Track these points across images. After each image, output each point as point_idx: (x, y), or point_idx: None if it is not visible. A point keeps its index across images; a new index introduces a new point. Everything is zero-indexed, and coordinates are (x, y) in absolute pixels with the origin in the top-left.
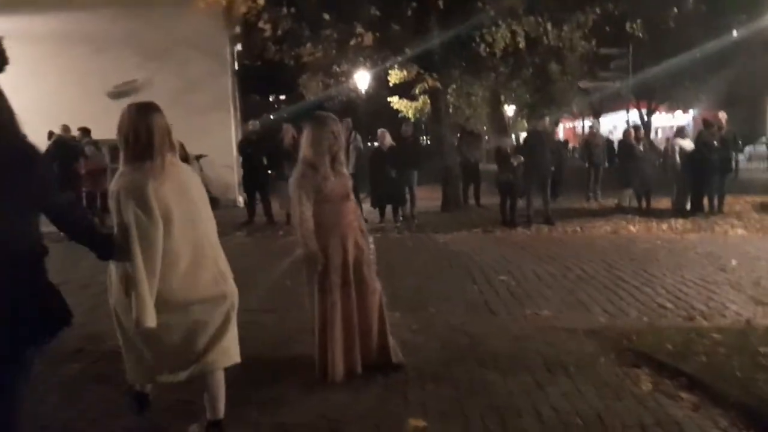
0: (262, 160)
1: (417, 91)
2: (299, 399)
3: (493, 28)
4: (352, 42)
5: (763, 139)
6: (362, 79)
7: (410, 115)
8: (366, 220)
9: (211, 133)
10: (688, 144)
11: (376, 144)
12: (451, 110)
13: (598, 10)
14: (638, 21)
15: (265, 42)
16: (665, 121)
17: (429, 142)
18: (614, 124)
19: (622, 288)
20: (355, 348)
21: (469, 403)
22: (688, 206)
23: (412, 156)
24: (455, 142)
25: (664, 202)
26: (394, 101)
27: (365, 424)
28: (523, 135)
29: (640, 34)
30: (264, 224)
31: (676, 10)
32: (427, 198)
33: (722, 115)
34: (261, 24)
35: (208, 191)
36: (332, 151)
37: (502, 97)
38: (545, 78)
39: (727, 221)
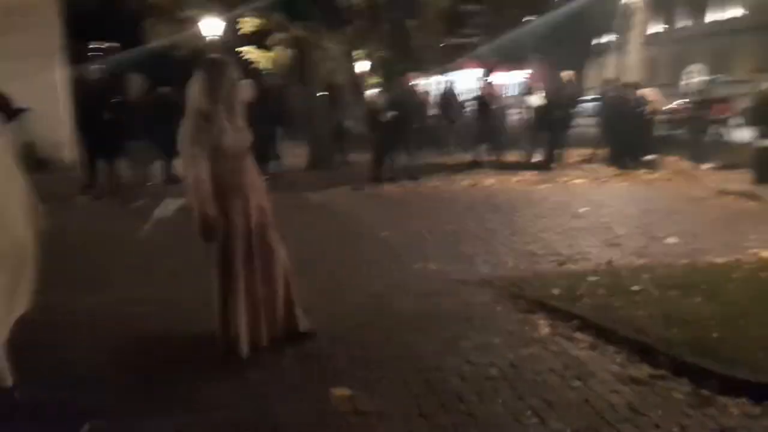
0: (104, 115)
1: (271, 41)
2: (214, 382)
3: None
4: None
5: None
6: (210, 27)
7: (267, 66)
8: None
9: (34, 83)
10: (535, 101)
11: None
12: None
13: None
14: None
15: None
16: (501, 80)
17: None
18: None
19: (495, 239)
20: (261, 320)
21: (389, 365)
22: (537, 158)
23: (278, 111)
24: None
25: (512, 156)
26: (248, 51)
27: (290, 400)
28: (376, 91)
29: None
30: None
31: None
32: (290, 156)
33: (569, 74)
34: None
35: (34, 152)
36: (230, 101)
37: (354, 53)
38: (403, 34)
39: (567, 172)
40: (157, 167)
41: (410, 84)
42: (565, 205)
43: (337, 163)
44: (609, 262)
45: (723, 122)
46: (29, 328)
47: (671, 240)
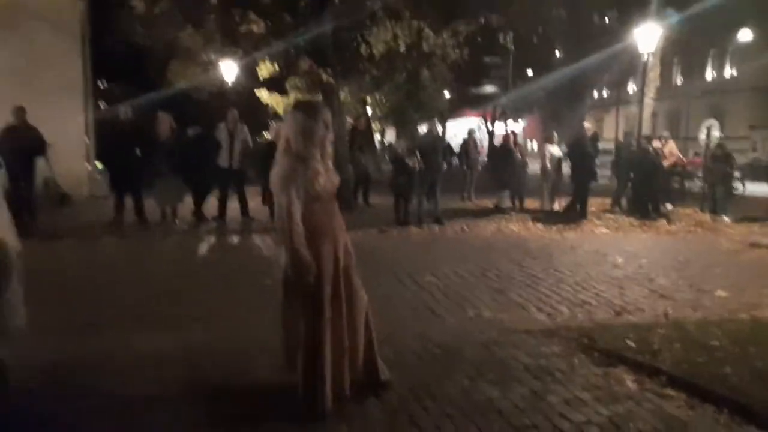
0: (136, 152)
1: (288, 85)
2: None
3: (374, 29)
4: (243, 29)
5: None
6: (229, 70)
7: (280, 110)
8: (253, 219)
9: (59, 120)
10: (556, 150)
11: (266, 137)
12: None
13: (482, 20)
14: (510, 34)
15: (134, 22)
16: (500, 129)
17: None
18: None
19: (542, 286)
20: (345, 370)
21: (482, 422)
22: (556, 207)
23: None
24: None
25: (532, 203)
26: (263, 95)
27: None
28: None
29: (512, 47)
30: (135, 224)
31: (541, 29)
32: None
33: (589, 126)
34: (133, 2)
35: (57, 186)
36: (323, 144)
37: (369, 99)
38: (416, 83)
39: (589, 222)
40: (181, 205)
41: (436, 129)
42: (599, 254)
43: (360, 207)
44: (666, 314)
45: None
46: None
47: (721, 293)
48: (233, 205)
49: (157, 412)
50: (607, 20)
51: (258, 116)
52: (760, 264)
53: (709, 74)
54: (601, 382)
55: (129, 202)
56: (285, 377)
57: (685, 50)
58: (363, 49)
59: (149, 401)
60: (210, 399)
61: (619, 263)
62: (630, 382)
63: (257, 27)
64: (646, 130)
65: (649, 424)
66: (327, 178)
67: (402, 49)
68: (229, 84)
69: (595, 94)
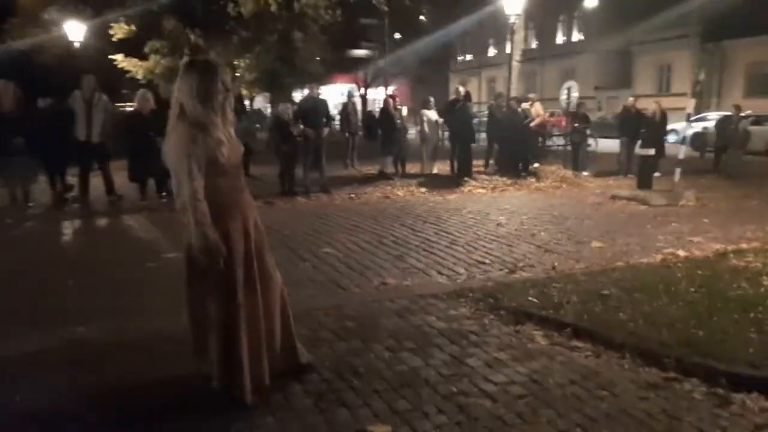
0: None
1: (148, 49)
2: None
3: None
4: None
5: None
6: (76, 31)
7: (140, 75)
8: (120, 197)
9: None
10: (433, 114)
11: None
12: None
13: None
14: None
15: None
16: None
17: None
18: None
19: (437, 249)
20: (263, 357)
21: (410, 393)
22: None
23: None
24: None
25: (412, 168)
26: (120, 60)
27: None
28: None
29: (385, 8)
30: None
31: None
32: None
33: (463, 89)
34: None
35: None
36: (224, 109)
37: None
38: (289, 46)
39: (466, 183)
40: (37, 185)
41: (317, 93)
42: (482, 214)
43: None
44: (554, 268)
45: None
46: None
47: (596, 244)
48: (96, 183)
49: (60, 423)
50: None
51: (113, 82)
52: (623, 214)
53: (560, 38)
54: (514, 341)
55: None
56: (195, 367)
57: (537, 15)
58: (231, 8)
59: (44, 411)
60: (116, 399)
61: (502, 222)
62: (540, 337)
63: None
64: (513, 92)
65: (565, 376)
66: (230, 147)
67: (273, 8)
68: (77, 46)
69: (459, 58)
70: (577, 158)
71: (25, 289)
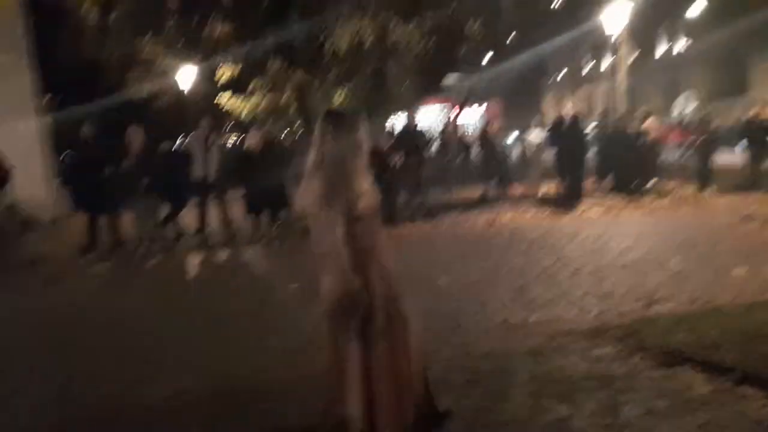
0: (105, 171)
1: (251, 87)
2: None
3: (339, 25)
4: (205, 32)
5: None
6: (187, 76)
7: (244, 114)
8: (237, 230)
9: (12, 141)
10: (536, 135)
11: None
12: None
13: (450, 11)
14: (477, 22)
15: (85, 33)
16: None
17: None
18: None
19: (560, 279)
20: (403, 404)
21: None
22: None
23: (286, 155)
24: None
25: (517, 190)
26: (224, 98)
27: None
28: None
29: (478, 37)
30: (111, 247)
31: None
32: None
33: (571, 108)
34: (84, 11)
35: (19, 212)
36: (362, 157)
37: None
38: (383, 78)
39: (578, 204)
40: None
41: (415, 122)
42: (602, 238)
43: None
44: (695, 300)
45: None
46: None
47: (738, 272)
48: (212, 218)
49: None
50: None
51: (219, 122)
52: (760, 237)
53: (661, 49)
54: (670, 387)
55: (100, 223)
56: (332, 413)
57: (637, 26)
58: (328, 46)
59: None
60: None
61: (626, 247)
62: (699, 383)
63: (221, 29)
64: (621, 107)
65: (738, 430)
66: (369, 194)
67: (367, 44)
68: (186, 91)
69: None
70: (702, 174)
71: (160, 327)
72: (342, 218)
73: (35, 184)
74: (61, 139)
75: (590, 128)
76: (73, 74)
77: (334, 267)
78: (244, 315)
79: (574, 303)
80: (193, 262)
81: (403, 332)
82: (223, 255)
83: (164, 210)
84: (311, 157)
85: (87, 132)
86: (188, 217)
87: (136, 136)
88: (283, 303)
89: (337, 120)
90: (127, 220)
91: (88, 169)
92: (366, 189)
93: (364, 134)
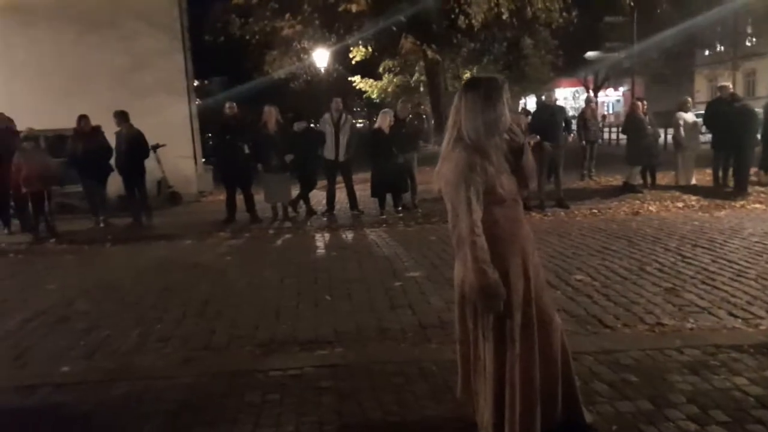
0: (244, 148)
1: (382, 68)
2: None
3: None
4: (341, 8)
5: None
6: (322, 57)
7: (374, 95)
8: (362, 212)
9: (164, 119)
10: (690, 117)
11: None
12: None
13: None
14: None
15: (229, 14)
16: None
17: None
18: (564, 97)
19: (720, 282)
20: (536, 410)
21: None
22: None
23: (413, 137)
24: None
25: (663, 178)
26: (357, 80)
27: None
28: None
29: (630, 3)
30: (247, 222)
31: None
32: (423, 182)
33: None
34: None
35: (169, 186)
36: (503, 134)
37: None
38: (517, 53)
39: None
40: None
41: (552, 101)
42: (767, 237)
43: None
44: None
45: None
46: None
47: None
48: (341, 198)
49: None
50: None
51: (350, 101)
52: None
53: None
54: None
55: (239, 199)
56: (457, 409)
57: None
58: (461, 20)
59: None
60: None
61: None
62: None
63: (356, 5)
64: None
65: None
66: (509, 175)
67: (504, 17)
68: (322, 71)
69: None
70: None
71: (282, 305)
72: (482, 201)
73: (184, 162)
74: (207, 119)
75: (756, 109)
76: (218, 54)
77: (470, 255)
78: (361, 298)
79: (739, 311)
80: (320, 240)
81: (545, 334)
82: (348, 236)
83: (296, 189)
84: (448, 132)
85: (228, 112)
86: (318, 197)
87: (270, 116)
88: (401, 290)
89: (483, 87)
90: (262, 198)
91: (228, 148)
92: (508, 169)
93: (508, 105)
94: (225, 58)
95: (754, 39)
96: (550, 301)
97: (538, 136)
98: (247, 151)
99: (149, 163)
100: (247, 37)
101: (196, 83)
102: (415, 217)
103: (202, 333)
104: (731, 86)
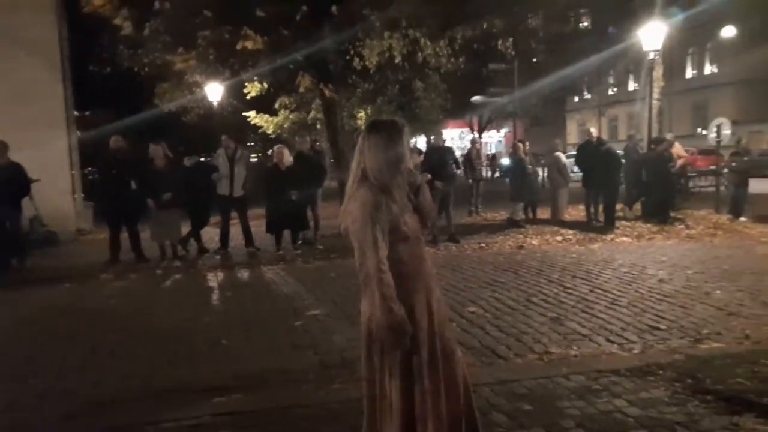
0: (131, 184)
1: (278, 105)
2: None
3: (367, 41)
4: (239, 46)
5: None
6: (216, 91)
7: (270, 130)
8: (258, 249)
9: (41, 151)
10: (563, 157)
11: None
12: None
13: (485, 26)
14: (510, 40)
15: (117, 45)
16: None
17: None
18: (452, 137)
19: (597, 310)
20: None
21: None
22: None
23: (317, 173)
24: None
25: (543, 213)
26: (252, 116)
27: None
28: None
29: (512, 53)
30: (132, 262)
31: (541, 34)
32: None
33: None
34: (119, 21)
35: (43, 224)
36: (406, 172)
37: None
38: (409, 95)
39: (609, 230)
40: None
41: (442, 140)
42: (637, 267)
43: None
44: (747, 337)
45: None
46: None
47: None
48: (234, 234)
49: None
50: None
51: (243, 136)
52: None
53: (689, 72)
54: None
55: (124, 238)
56: None
57: (665, 50)
58: (356, 62)
59: None
60: None
61: (665, 278)
62: None
63: (253, 43)
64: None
65: None
66: (411, 213)
67: (397, 60)
68: (215, 105)
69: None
70: (736, 202)
71: (176, 351)
72: (387, 238)
73: (61, 197)
74: (89, 153)
75: (619, 152)
76: (105, 86)
77: (377, 293)
78: (262, 338)
79: (615, 337)
80: (213, 280)
81: (450, 367)
82: (244, 274)
83: (187, 226)
84: (353, 172)
85: (114, 146)
86: (211, 234)
87: (157, 153)
88: (303, 330)
89: (385, 129)
90: (149, 236)
91: (114, 183)
92: (411, 207)
93: (409, 147)
94: (112, 90)
95: (615, 88)
96: (452, 334)
97: (429, 175)
98: (134, 186)
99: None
100: (137, 69)
101: (77, 114)
102: (314, 254)
103: (86, 385)
104: (597, 131)
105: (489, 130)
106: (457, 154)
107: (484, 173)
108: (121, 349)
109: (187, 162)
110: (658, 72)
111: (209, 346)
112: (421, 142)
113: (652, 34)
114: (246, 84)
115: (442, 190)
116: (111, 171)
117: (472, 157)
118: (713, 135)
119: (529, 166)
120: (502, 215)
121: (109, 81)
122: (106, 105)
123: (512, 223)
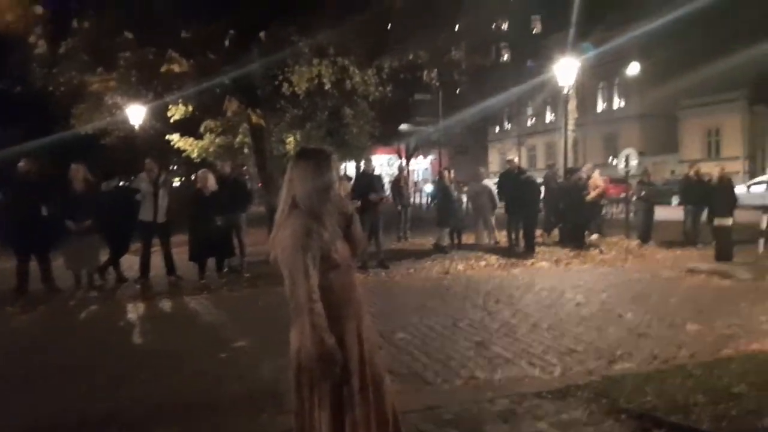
0: (42, 209)
1: (203, 128)
2: None
3: (297, 67)
4: (163, 68)
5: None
6: (137, 113)
7: (194, 154)
8: (180, 278)
9: None
10: (487, 185)
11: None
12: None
13: (410, 56)
14: (435, 71)
15: (30, 63)
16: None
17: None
18: (380, 164)
19: (520, 334)
20: None
21: None
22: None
23: (241, 198)
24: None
25: (468, 238)
26: (175, 139)
27: None
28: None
29: (436, 83)
30: (42, 293)
31: (464, 66)
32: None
33: (513, 159)
34: (33, 39)
35: None
36: (336, 200)
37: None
38: (338, 122)
39: (526, 255)
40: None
41: (371, 167)
42: (556, 291)
43: None
44: (656, 357)
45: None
46: None
47: (692, 326)
48: (155, 262)
49: None
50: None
51: (167, 160)
52: (708, 290)
53: (600, 106)
54: None
55: (33, 266)
56: None
57: (577, 84)
58: (285, 87)
59: None
60: None
61: (581, 301)
62: None
63: (179, 66)
64: (567, 159)
65: None
66: (342, 240)
67: (327, 87)
68: (136, 128)
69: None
70: (644, 228)
71: (94, 384)
72: (317, 266)
73: None
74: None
75: (538, 180)
76: (16, 107)
77: (308, 322)
78: (184, 372)
79: (537, 360)
80: (133, 311)
81: (379, 395)
82: (166, 305)
83: (105, 253)
84: (282, 201)
85: (23, 168)
86: (130, 261)
87: (77, 173)
88: (228, 362)
89: (314, 157)
90: (63, 265)
91: (23, 208)
92: (341, 235)
93: (338, 173)
94: (23, 109)
95: (533, 119)
96: (381, 361)
97: (359, 202)
98: (45, 212)
99: None
100: (51, 89)
101: None
102: (241, 282)
103: None
104: (517, 160)
105: (416, 157)
106: (386, 180)
107: (411, 200)
108: (28, 388)
109: (105, 187)
110: (572, 105)
111: (129, 381)
112: (350, 168)
113: (565, 70)
114: (170, 106)
115: (371, 216)
116: (20, 195)
117: (400, 184)
118: (622, 165)
119: (455, 193)
120: (429, 241)
121: (20, 100)
122: (17, 124)
123: (439, 249)
